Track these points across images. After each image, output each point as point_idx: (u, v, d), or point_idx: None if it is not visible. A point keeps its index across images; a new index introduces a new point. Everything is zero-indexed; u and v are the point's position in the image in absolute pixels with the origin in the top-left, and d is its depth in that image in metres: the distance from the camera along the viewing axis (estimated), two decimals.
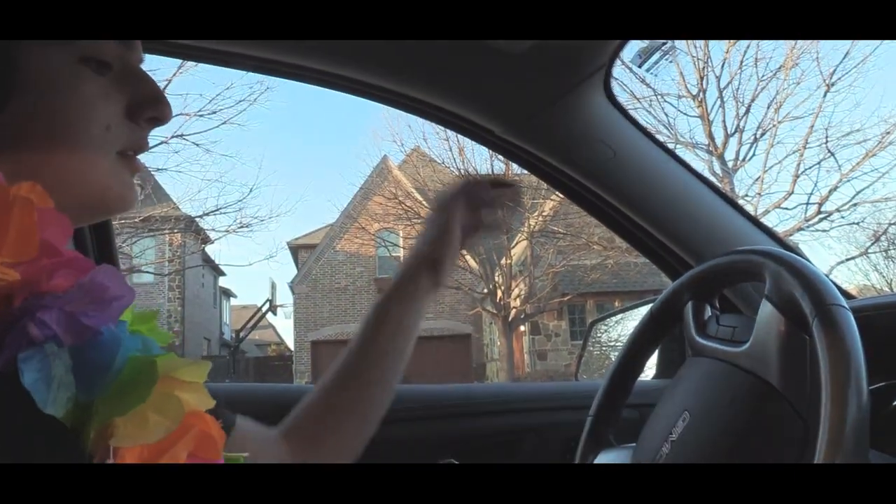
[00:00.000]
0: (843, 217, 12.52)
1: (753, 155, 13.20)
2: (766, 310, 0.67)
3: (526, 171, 1.18)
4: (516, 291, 15.78)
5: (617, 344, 1.70)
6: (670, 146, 1.13)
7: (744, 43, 12.67)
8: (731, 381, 0.70)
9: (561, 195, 1.35)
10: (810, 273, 0.62)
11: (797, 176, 12.64)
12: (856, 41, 11.60)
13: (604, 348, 1.78)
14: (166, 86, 10.95)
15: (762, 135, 13.11)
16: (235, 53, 0.92)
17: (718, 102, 13.15)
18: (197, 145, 13.14)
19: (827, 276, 0.64)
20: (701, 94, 13.15)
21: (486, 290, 16.41)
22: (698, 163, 12.90)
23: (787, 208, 12.85)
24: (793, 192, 12.64)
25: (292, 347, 20.27)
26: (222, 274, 23.59)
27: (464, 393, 1.18)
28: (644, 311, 0.92)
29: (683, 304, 0.83)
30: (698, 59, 13.07)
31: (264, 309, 20.56)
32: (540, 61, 0.89)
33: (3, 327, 0.35)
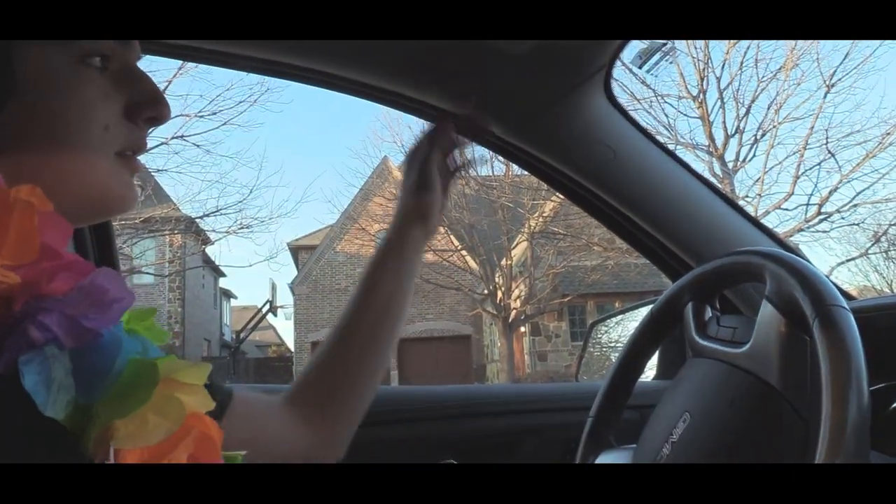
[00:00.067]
0: (843, 218, 12.52)
1: (754, 156, 13.20)
2: (766, 311, 0.67)
3: (526, 172, 1.18)
4: (516, 292, 15.78)
5: (617, 345, 1.70)
6: (670, 147, 1.13)
7: (744, 44, 12.68)
8: (732, 382, 0.70)
9: (561, 196, 1.35)
10: (811, 274, 0.62)
11: (797, 177, 12.64)
12: (856, 42, 11.61)
13: (604, 349, 1.78)
14: (167, 87, 10.93)
15: (762, 136, 13.12)
16: (235, 54, 0.92)
17: (719, 103, 13.16)
18: (197, 146, 13.14)
19: (827, 276, 0.64)
20: (701, 95, 13.15)
21: (486, 292, 16.41)
22: (698, 164, 12.91)
23: (787, 209, 12.86)
24: (793, 193, 12.65)
25: (293, 348, 20.28)
26: (222, 275, 23.59)
27: (464, 394, 1.18)
28: (644, 311, 0.92)
29: (684, 305, 0.82)
30: (698, 59, 13.08)
31: (264, 310, 20.55)
32: (540, 62, 0.89)
33: (4, 330, 0.35)
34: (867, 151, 12.20)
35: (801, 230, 12.50)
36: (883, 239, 13.54)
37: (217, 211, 14.30)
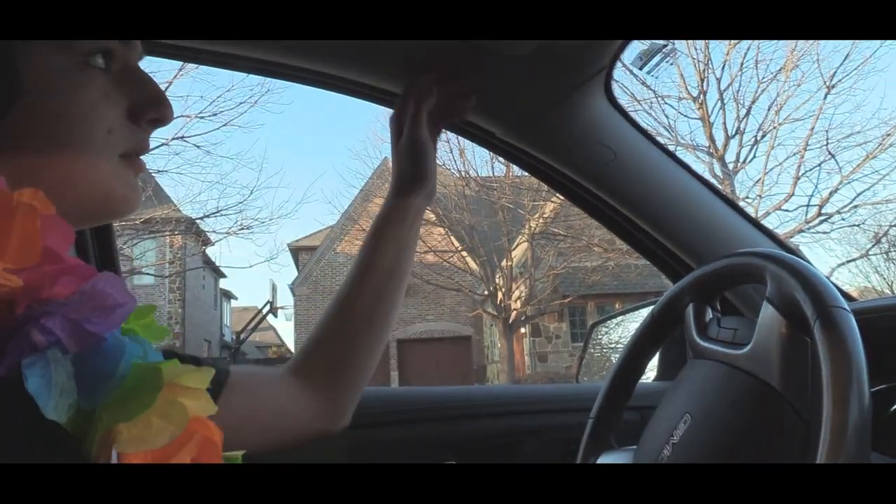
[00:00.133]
0: (843, 219, 12.52)
1: (754, 157, 13.21)
2: (767, 312, 0.67)
3: (527, 173, 1.18)
4: (517, 293, 15.77)
5: (618, 346, 1.70)
6: (671, 148, 1.13)
7: (744, 45, 12.69)
8: (733, 384, 0.70)
9: (562, 197, 1.35)
10: (811, 275, 0.62)
11: (798, 178, 12.64)
12: (856, 43, 11.61)
13: (604, 350, 1.78)
14: (167, 88, 10.94)
15: (763, 137, 13.12)
16: (236, 55, 0.92)
17: (719, 104, 13.17)
18: (198, 147, 13.15)
19: (828, 278, 0.64)
20: (701, 96, 13.16)
21: (486, 292, 16.41)
22: (699, 165, 12.92)
23: (787, 210, 12.87)
24: (793, 194, 12.65)
25: (293, 349, 20.27)
26: (223, 276, 23.59)
27: (464, 395, 1.18)
28: (645, 313, 0.92)
29: (684, 307, 0.82)
30: (699, 61, 13.08)
31: (265, 311, 20.54)
32: (541, 64, 0.89)
33: (6, 333, 0.35)
34: (867, 152, 12.21)
35: (801, 231, 12.50)
36: (883, 240, 13.54)
37: (217, 212, 14.30)
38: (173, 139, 12.36)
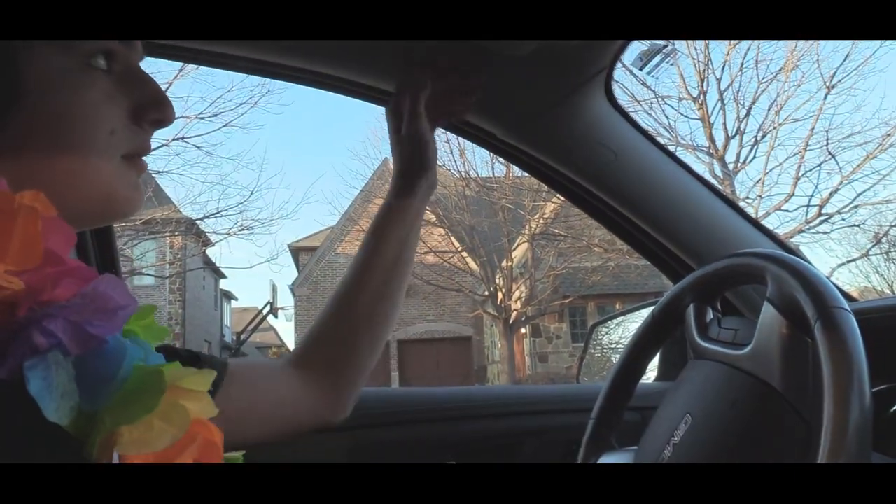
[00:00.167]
0: (843, 219, 12.52)
1: (754, 157, 13.21)
2: (767, 312, 0.67)
3: (527, 174, 1.18)
4: (517, 294, 15.78)
5: (618, 346, 1.70)
6: (671, 148, 1.13)
7: (744, 45, 12.69)
8: (733, 384, 0.70)
9: (562, 197, 1.35)
10: (812, 276, 0.62)
11: (798, 178, 12.64)
12: (856, 43, 11.61)
13: (605, 351, 1.78)
14: (167, 89, 10.95)
15: (763, 137, 13.13)
16: (236, 56, 0.92)
17: (719, 105, 13.17)
18: (198, 148, 13.16)
19: (828, 278, 0.64)
20: (701, 97, 13.16)
21: (486, 293, 16.41)
22: (699, 165, 12.92)
23: (787, 210, 12.87)
24: (793, 195, 12.65)
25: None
26: (223, 276, 23.59)
27: (465, 395, 1.18)
28: (645, 313, 0.91)
29: (685, 307, 0.82)
30: (699, 61, 13.09)
31: (265, 311, 20.54)
32: (542, 64, 0.89)
33: (8, 336, 0.35)
34: (868, 153, 12.21)
35: (801, 231, 12.50)
36: (884, 240, 13.54)
37: (218, 213, 14.31)
38: (173, 140, 12.38)
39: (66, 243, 0.38)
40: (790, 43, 12.38)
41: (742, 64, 12.99)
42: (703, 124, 13.21)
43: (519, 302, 15.71)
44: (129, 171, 0.53)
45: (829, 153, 12.38)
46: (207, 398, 0.40)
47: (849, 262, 13.96)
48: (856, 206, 12.32)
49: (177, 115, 0.57)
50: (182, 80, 12.68)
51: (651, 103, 13.26)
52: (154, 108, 0.53)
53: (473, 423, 1.14)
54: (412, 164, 0.85)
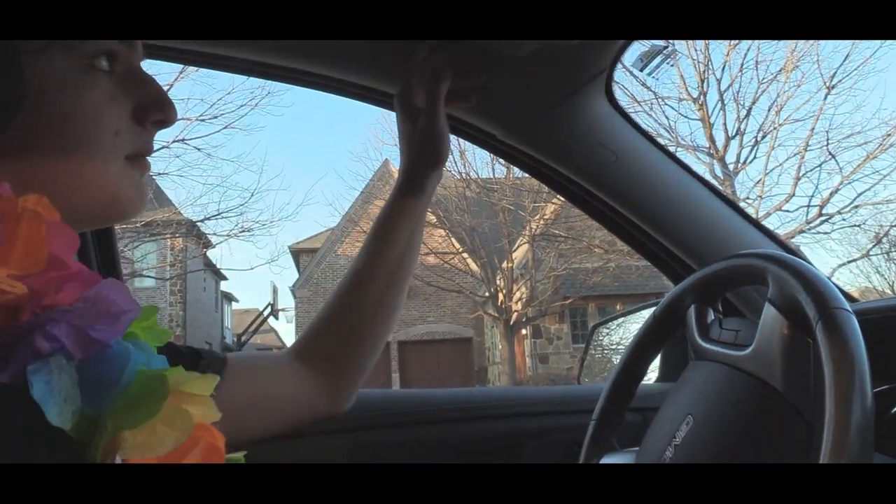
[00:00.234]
0: (844, 219, 12.52)
1: (754, 158, 13.22)
2: (769, 313, 0.67)
3: (527, 175, 1.18)
4: (518, 295, 15.78)
5: (619, 347, 1.69)
6: (671, 149, 1.13)
7: (744, 46, 12.70)
8: (735, 385, 0.70)
9: (562, 198, 1.35)
10: (813, 276, 0.62)
11: (798, 178, 12.65)
12: (856, 43, 11.62)
13: (606, 352, 1.78)
14: (168, 90, 10.93)
15: (763, 137, 13.13)
16: (236, 58, 0.92)
17: (719, 105, 13.18)
18: (199, 150, 13.19)
19: (829, 278, 0.64)
20: (702, 97, 13.17)
21: (487, 294, 16.41)
22: (699, 166, 12.93)
23: (788, 211, 12.88)
24: (794, 195, 12.66)
25: None
26: (224, 278, 23.59)
27: (465, 397, 1.18)
28: (646, 314, 0.91)
29: (686, 308, 0.82)
30: (699, 62, 13.10)
31: (266, 313, 20.55)
32: (542, 65, 0.89)
33: (11, 340, 0.35)
34: (868, 153, 12.22)
35: (802, 232, 12.50)
36: (884, 240, 13.54)
37: (218, 214, 14.33)
38: (174, 142, 12.40)
39: (69, 247, 0.38)
40: (790, 43, 12.39)
41: (742, 64, 13.02)
42: (704, 125, 13.21)
43: (519, 303, 15.71)
44: (133, 171, 0.53)
45: (830, 153, 12.40)
46: (210, 402, 0.40)
47: (849, 262, 13.97)
48: (856, 207, 12.34)
49: (178, 117, 0.57)
50: (182, 81, 12.74)
51: (651, 104, 13.28)
52: (156, 109, 0.54)
53: (474, 424, 1.14)
54: (425, 157, 0.84)
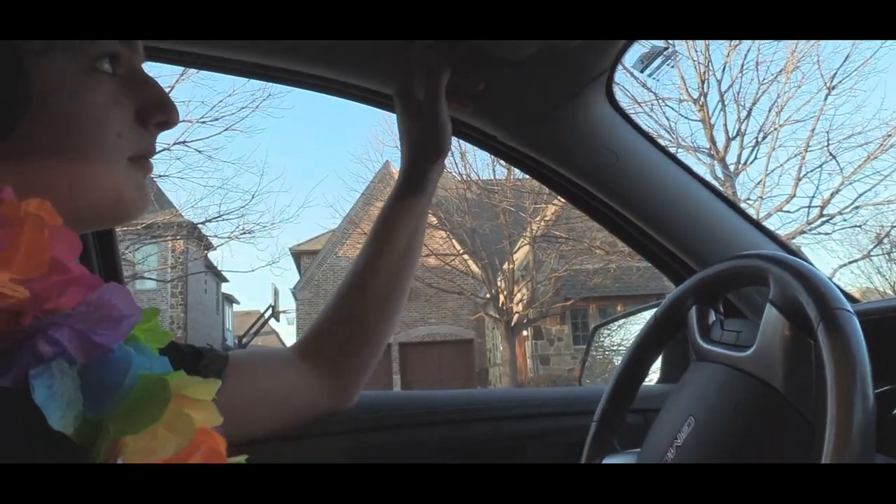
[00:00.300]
0: (845, 220, 12.51)
1: (755, 158, 13.24)
2: (770, 314, 0.67)
3: (528, 176, 1.18)
4: (519, 296, 15.77)
5: (620, 348, 1.69)
6: (672, 150, 1.13)
7: (744, 46, 12.71)
8: (736, 386, 0.70)
9: (563, 200, 1.35)
10: (814, 277, 0.62)
11: (799, 179, 12.64)
12: (856, 44, 11.62)
13: (607, 353, 1.78)
14: (169, 93, 10.94)
15: (763, 138, 13.13)
16: (236, 60, 0.92)
17: (720, 106, 13.18)
18: (199, 152, 13.20)
19: (830, 279, 0.64)
20: (702, 98, 13.17)
21: (488, 295, 16.41)
22: (700, 167, 12.93)
23: (789, 211, 12.90)
24: (795, 196, 12.66)
25: None
26: (225, 280, 23.59)
27: (466, 398, 1.18)
28: (647, 315, 0.91)
29: (687, 309, 0.82)
30: (699, 63, 13.10)
31: (267, 315, 20.55)
32: (542, 67, 0.89)
33: (13, 344, 0.35)
34: (868, 153, 12.21)
35: (803, 232, 12.50)
36: (885, 240, 13.52)
37: (219, 216, 14.35)
38: (175, 144, 12.41)
39: (71, 251, 0.38)
40: (790, 44, 12.39)
41: (742, 65, 13.02)
42: (704, 126, 13.21)
43: (520, 304, 15.70)
44: (136, 172, 0.53)
45: (830, 154, 12.40)
46: (212, 407, 0.40)
47: (850, 262, 13.99)
48: (857, 207, 12.33)
49: (179, 119, 0.58)
50: (183, 83, 12.75)
51: (652, 105, 13.29)
52: (159, 111, 0.54)
53: (475, 425, 1.14)
54: (425, 150, 0.83)
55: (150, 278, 16.97)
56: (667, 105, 13.42)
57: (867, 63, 14.47)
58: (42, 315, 0.36)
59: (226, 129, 13.16)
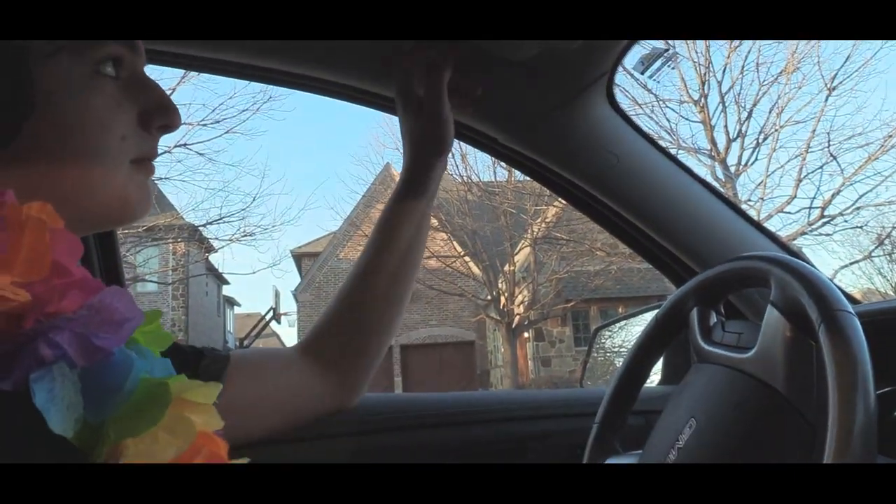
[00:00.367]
0: (846, 221, 12.51)
1: (756, 159, 13.23)
2: (771, 316, 0.67)
3: (529, 178, 1.18)
4: (520, 298, 15.76)
5: (621, 350, 1.69)
6: (672, 152, 1.13)
7: (745, 47, 12.72)
8: (738, 388, 0.69)
9: (564, 201, 1.35)
10: (816, 279, 0.62)
11: (800, 180, 12.65)
12: (857, 44, 11.62)
13: (608, 354, 1.78)
14: (171, 95, 10.97)
15: (764, 139, 13.14)
16: (237, 62, 0.92)
17: (720, 107, 13.20)
18: (200, 154, 13.22)
19: (831, 280, 0.64)
20: (703, 100, 13.18)
21: (489, 297, 16.41)
22: (701, 168, 12.93)
23: (790, 213, 12.90)
24: (795, 197, 12.66)
25: None
26: (226, 282, 23.60)
27: (468, 400, 1.18)
28: (648, 317, 0.91)
29: (689, 311, 0.82)
30: (700, 64, 13.11)
31: (268, 317, 20.56)
32: (543, 69, 0.89)
33: (14, 347, 0.35)
34: (869, 154, 12.21)
35: (804, 233, 12.49)
36: (886, 241, 13.51)
37: (220, 219, 14.36)
38: (176, 146, 12.43)
39: (72, 254, 0.38)
40: (791, 45, 12.40)
41: (743, 66, 13.04)
42: (705, 127, 13.22)
43: (521, 306, 15.70)
44: (139, 175, 0.53)
45: (831, 155, 12.40)
46: (213, 410, 0.40)
47: (851, 263, 13.94)
48: (858, 208, 12.33)
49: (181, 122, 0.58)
50: (184, 86, 12.73)
51: (652, 107, 13.30)
52: (161, 114, 0.54)
53: (477, 427, 1.14)
54: (427, 147, 0.83)
55: (151, 281, 16.98)
56: (667, 106, 13.45)
57: (868, 64, 14.48)
58: (43, 318, 0.36)
59: (227, 132, 13.18)
